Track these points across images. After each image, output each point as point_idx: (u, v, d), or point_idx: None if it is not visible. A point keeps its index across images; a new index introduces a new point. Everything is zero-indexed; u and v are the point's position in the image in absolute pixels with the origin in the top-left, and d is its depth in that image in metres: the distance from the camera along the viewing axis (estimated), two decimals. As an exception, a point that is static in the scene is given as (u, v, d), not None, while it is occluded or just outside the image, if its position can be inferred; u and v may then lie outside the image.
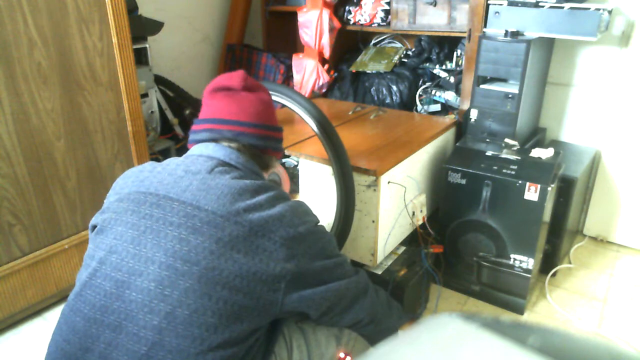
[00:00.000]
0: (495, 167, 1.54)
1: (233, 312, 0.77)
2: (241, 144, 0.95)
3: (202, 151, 0.94)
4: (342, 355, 1.04)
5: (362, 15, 2.28)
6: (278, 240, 0.81)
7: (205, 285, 0.76)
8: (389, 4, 2.19)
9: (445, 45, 2.21)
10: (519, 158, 1.56)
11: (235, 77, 0.99)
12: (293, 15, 2.49)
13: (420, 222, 1.64)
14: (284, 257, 0.81)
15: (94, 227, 0.89)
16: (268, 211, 0.82)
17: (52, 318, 1.63)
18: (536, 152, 1.57)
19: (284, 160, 1.64)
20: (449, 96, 2.12)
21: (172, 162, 0.92)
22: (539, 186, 1.46)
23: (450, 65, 2.17)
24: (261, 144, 0.98)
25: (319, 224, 0.91)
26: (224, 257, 0.77)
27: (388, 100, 2.26)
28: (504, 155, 1.58)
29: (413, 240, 1.68)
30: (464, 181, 1.59)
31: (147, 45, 2.06)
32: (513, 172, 1.51)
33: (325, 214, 1.47)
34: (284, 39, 2.81)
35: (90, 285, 0.81)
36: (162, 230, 0.80)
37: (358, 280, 0.97)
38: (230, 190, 0.83)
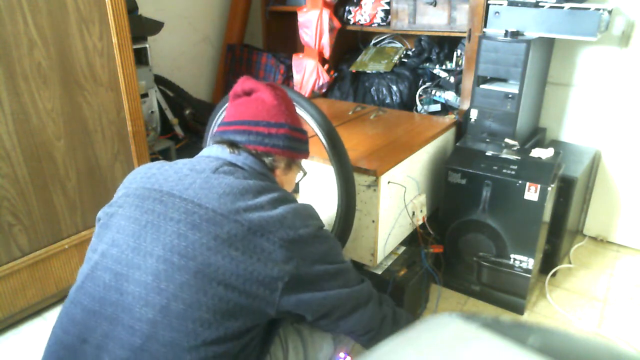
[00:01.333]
0: (495, 167, 1.54)
1: (228, 309, 0.77)
2: (247, 145, 0.95)
3: (211, 152, 0.95)
4: (342, 355, 1.04)
5: (362, 15, 2.28)
6: (277, 241, 0.81)
7: (201, 281, 0.77)
8: (389, 4, 2.19)
9: (445, 45, 2.21)
10: (519, 158, 1.56)
11: (238, 83, 1.01)
12: (293, 15, 2.49)
13: (420, 222, 1.64)
14: (282, 259, 0.80)
15: (100, 220, 0.91)
16: (269, 212, 0.83)
17: (52, 318, 1.63)
18: (536, 152, 1.57)
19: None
20: (449, 96, 2.12)
21: (180, 161, 0.94)
22: (539, 186, 1.46)
23: (450, 65, 2.17)
24: (269, 143, 0.96)
25: (323, 228, 0.90)
26: (221, 254, 0.78)
27: (388, 100, 2.26)
28: (504, 155, 1.58)
29: (413, 240, 1.68)
30: (464, 181, 1.59)
31: (147, 45, 2.06)
32: (513, 172, 1.51)
33: (326, 214, 1.47)
34: (284, 39, 2.81)
35: (91, 277, 0.82)
36: (162, 225, 0.81)
37: (361, 291, 0.95)
38: (232, 189, 0.84)
